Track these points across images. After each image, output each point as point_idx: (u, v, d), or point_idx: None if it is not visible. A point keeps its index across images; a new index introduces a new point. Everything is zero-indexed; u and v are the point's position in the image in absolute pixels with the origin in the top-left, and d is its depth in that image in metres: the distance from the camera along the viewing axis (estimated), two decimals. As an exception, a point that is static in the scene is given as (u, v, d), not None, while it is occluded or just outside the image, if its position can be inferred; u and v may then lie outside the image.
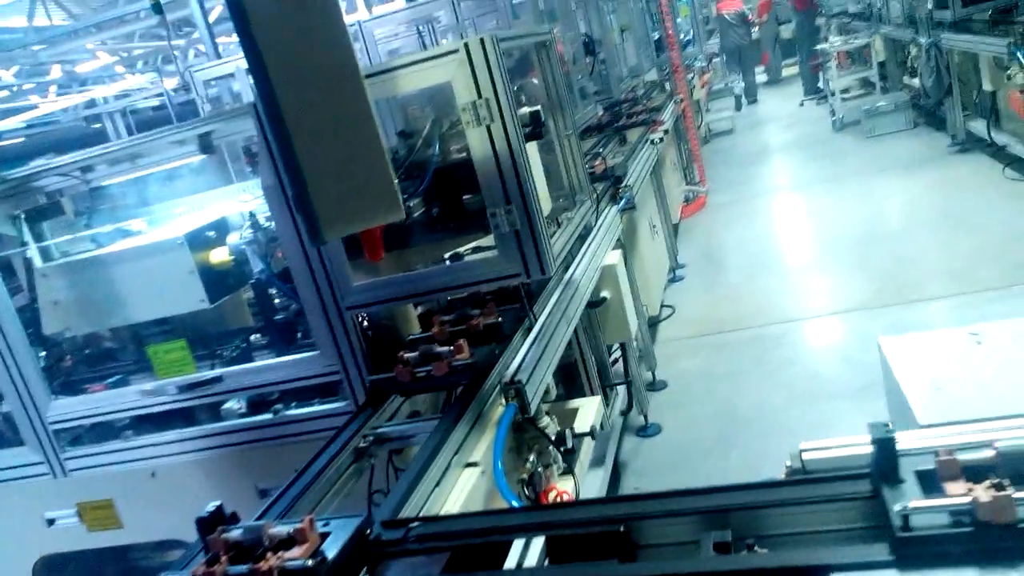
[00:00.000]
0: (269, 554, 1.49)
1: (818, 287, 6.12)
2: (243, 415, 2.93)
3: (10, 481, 3.13)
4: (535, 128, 2.55)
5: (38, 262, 3.10)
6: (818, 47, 12.59)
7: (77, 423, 3.07)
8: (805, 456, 1.45)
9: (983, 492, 1.14)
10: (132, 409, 2.99)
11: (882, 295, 5.58)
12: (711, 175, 9.90)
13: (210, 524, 1.58)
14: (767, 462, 3.96)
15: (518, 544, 1.55)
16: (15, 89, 13.35)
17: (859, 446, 1.42)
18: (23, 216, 3.13)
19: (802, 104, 13.58)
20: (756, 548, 1.36)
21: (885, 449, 1.28)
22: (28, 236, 3.11)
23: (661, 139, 6.31)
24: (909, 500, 1.19)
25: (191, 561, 1.55)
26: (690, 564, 1.31)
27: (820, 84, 13.41)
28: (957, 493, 1.16)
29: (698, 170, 9.59)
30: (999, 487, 1.14)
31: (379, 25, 7.03)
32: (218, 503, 1.62)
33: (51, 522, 3.12)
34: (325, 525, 1.58)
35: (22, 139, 12.87)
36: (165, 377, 2.90)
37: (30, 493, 3.11)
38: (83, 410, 3.04)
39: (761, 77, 16.43)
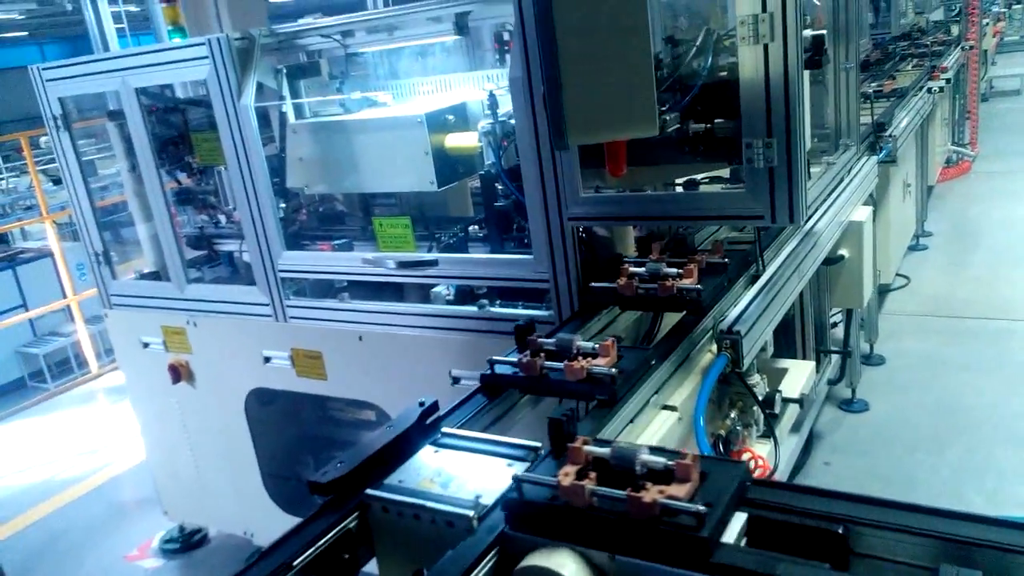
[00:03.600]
0: (579, 358, 1.89)
1: (1095, 291, 5.30)
2: (450, 302, 2.98)
3: (240, 315, 3.42)
4: (816, 55, 2.24)
5: (291, 117, 3.25)
6: None
7: (302, 275, 3.27)
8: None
9: (568, 478, 1.34)
10: (352, 273, 3.13)
11: None
12: (983, 139, 8.72)
13: (525, 331, 2.04)
14: (989, 474, 3.53)
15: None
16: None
17: None
18: (285, 71, 3.29)
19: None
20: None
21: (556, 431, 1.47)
22: (286, 91, 3.26)
23: (941, 89, 5.56)
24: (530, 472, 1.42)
25: (506, 357, 1.99)
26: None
27: None
28: (561, 474, 1.36)
29: (970, 131, 8.47)
30: (581, 475, 1.34)
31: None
32: (532, 316, 2.10)
33: (267, 359, 3.40)
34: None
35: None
36: (386, 250, 2.99)
37: (254, 330, 3.39)
38: (309, 265, 3.22)
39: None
